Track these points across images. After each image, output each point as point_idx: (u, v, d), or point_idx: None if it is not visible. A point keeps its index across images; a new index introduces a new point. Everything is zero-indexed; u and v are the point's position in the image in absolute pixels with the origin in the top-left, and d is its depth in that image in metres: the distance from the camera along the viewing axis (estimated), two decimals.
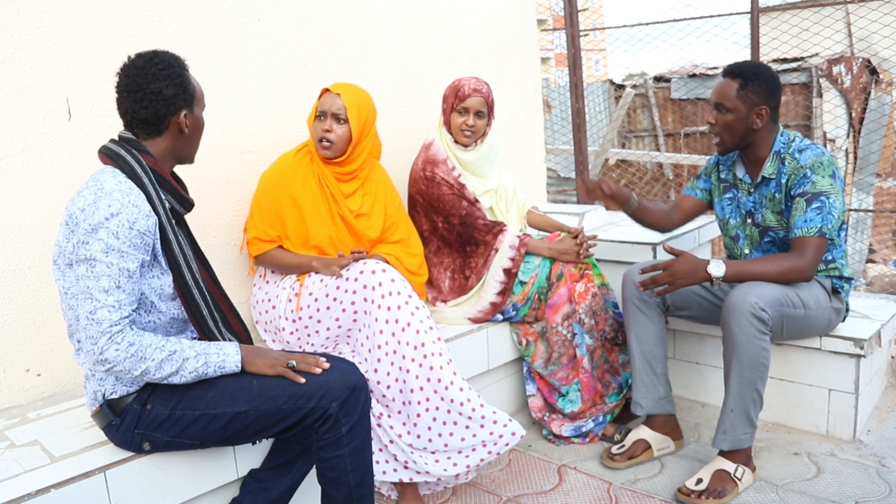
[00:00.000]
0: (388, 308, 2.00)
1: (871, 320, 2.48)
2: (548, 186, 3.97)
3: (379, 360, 1.99)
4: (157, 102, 1.55)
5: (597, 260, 2.64)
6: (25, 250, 2.01)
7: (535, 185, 3.79)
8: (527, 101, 3.69)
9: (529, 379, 2.60)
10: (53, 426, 1.84)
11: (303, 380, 1.62)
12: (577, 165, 4.37)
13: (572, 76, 4.26)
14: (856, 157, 7.20)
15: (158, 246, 1.55)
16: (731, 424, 2.09)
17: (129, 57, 1.58)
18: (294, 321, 2.15)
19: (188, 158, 1.70)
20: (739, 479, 2.09)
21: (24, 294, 2.03)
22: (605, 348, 2.54)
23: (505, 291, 2.52)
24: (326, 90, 2.26)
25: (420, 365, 1.97)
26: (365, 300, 2.03)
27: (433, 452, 2.00)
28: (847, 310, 2.36)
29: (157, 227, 1.53)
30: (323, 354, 1.73)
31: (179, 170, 1.72)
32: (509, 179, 2.77)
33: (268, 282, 2.29)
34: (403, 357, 1.97)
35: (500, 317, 2.56)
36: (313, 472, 1.87)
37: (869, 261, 6.68)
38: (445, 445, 1.98)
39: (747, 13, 3.98)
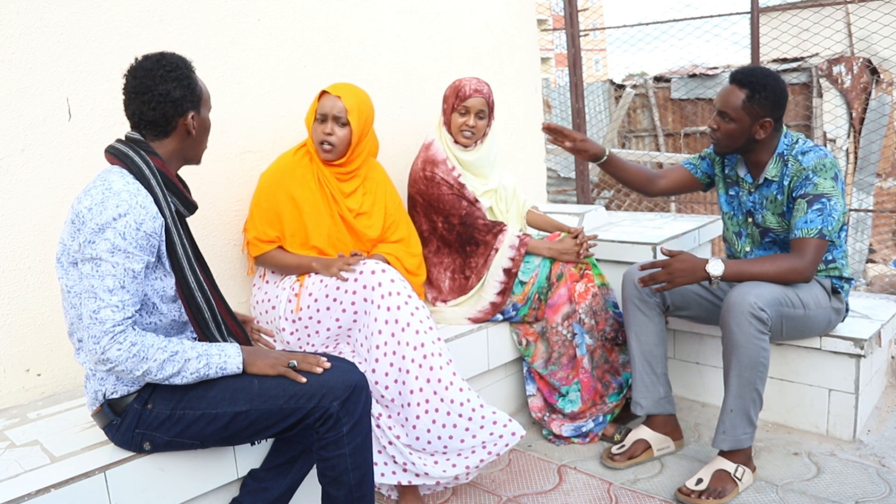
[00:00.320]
0: (388, 308, 2.00)
1: (871, 320, 2.48)
2: (548, 186, 3.97)
3: (378, 361, 1.99)
4: (165, 104, 1.55)
5: (597, 260, 2.64)
6: (25, 250, 2.02)
7: (535, 185, 3.79)
8: (527, 101, 3.69)
9: (529, 379, 2.60)
10: (53, 426, 1.84)
11: (304, 379, 1.62)
12: (577, 165, 4.37)
13: (572, 76, 4.27)
14: (856, 157, 7.19)
15: (163, 248, 1.55)
16: (731, 424, 2.09)
17: (137, 59, 1.58)
18: (294, 321, 2.15)
19: (195, 159, 1.70)
20: (739, 479, 2.09)
21: (24, 294, 2.03)
22: (605, 348, 2.54)
23: (505, 291, 2.52)
24: (325, 92, 2.25)
25: (420, 365, 1.97)
26: (365, 300, 2.03)
27: (432, 454, 2.00)
28: (847, 310, 2.36)
29: (164, 229, 1.54)
30: (324, 354, 1.73)
31: (181, 171, 1.73)
32: (509, 179, 2.77)
33: (267, 282, 2.29)
34: (403, 357, 1.97)
35: (500, 317, 2.56)
36: (313, 472, 1.87)
37: (869, 261, 6.68)
38: (445, 447, 1.98)
39: (747, 13, 3.99)
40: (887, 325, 2.50)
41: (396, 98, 2.98)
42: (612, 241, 2.93)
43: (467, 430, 1.98)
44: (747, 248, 2.38)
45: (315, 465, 1.73)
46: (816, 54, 7.30)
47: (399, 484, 2.04)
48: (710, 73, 7.99)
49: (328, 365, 1.67)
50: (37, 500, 1.47)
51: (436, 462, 2.00)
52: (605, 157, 2.45)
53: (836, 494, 2.07)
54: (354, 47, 2.80)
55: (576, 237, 2.53)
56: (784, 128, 2.25)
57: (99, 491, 1.55)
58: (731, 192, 2.39)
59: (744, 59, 8.44)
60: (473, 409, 1.98)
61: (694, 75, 8.11)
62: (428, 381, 1.97)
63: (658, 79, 8.47)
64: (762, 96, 2.14)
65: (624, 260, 2.88)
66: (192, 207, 1.66)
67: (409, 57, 3.02)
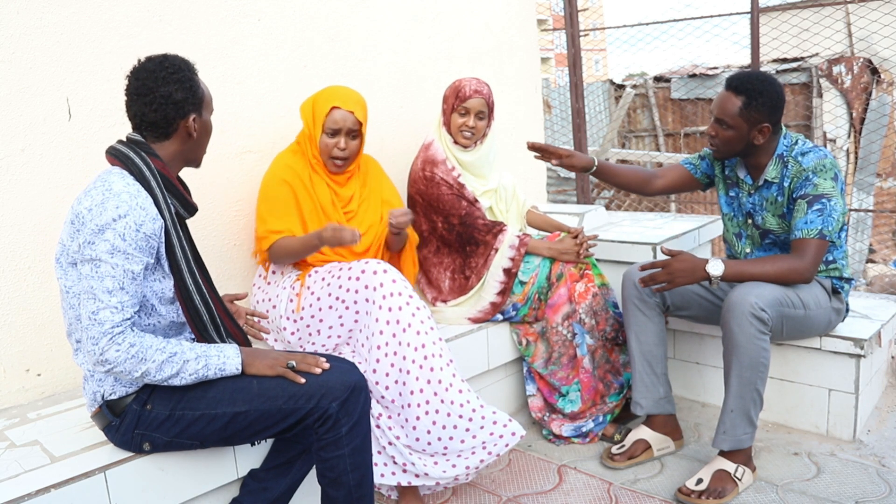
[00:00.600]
0: (390, 309, 2.00)
1: (871, 320, 2.48)
2: (548, 186, 3.97)
3: (378, 361, 1.99)
4: (167, 106, 1.55)
5: (597, 260, 2.64)
6: (25, 250, 2.01)
7: (535, 185, 3.79)
8: (527, 101, 3.69)
9: (529, 379, 2.60)
10: (53, 426, 1.84)
11: (302, 380, 1.62)
12: None
13: (572, 76, 4.27)
14: (856, 157, 7.19)
15: (163, 249, 1.55)
16: (732, 424, 2.09)
17: (140, 60, 1.58)
18: (295, 321, 2.15)
19: (195, 162, 1.70)
20: (739, 479, 2.09)
21: (24, 294, 2.03)
22: (606, 348, 2.54)
23: (505, 291, 2.52)
24: (336, 107, 2.18)
25: (420, 366, 1.97)
26: (366, 300, 2.03)
27: (432, 455, 2.00)
28: (847, 310, 2.36)
29: (163, 230, 1.54)
30: (323, 354, 1.73)
31: (181, 172, 1.72)
32: (509, 179, 2.77)
33: (269, 282, 2.29)
34: (404, 358, 1.97)
35: (500, 317, 2.56)
36: (313, 472, 1.87)
37: (869, 261, 6.68)
38: (445, 448, 1.98)
39: (747, 13, 3.99)
40: (887, 325, 2.50)
41: (396, 98, 2.98)
42: (612, 241, 2.93)
43: (467, 430, 1.98)
44: (747, 250, 2.38)
45: (315, 466, 1.73)
46: (816, 54, 7.30)
47: (399, 484, 2.04)
48: (710, 73, 7.99)
49: (327, 365, 1.67)
50: (37, 500, 1.47)
51: (436, 462, 2.00)
52: (595, 168, 2.46)
53: (836, 494, 2.07)
54: (354, 47, 2.80)
55: (576, 237, 2.53)
56: (783, 129, 2.25)
57: (99, 491, 1.55)
58: (731, 194, 2.39)
59: (744, 59, 8.45)
60: (474, 410, 1.98)
61: (694, 75, 8.12)
62: (428, 381, 1.97)
63: (658, 79, 8.47)
64: (759, 102, 2.13)
65: (624, 260, 2.88)
66: (192, 209, 1.66)
67: (409, 57, 3.02)
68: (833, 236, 2.11)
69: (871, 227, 7.10)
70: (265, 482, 1.82)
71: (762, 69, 4.68)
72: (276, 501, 1.83)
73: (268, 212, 2.21)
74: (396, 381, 1.98)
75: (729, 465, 2.10)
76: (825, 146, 7.19)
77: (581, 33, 4.30)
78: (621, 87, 8.79)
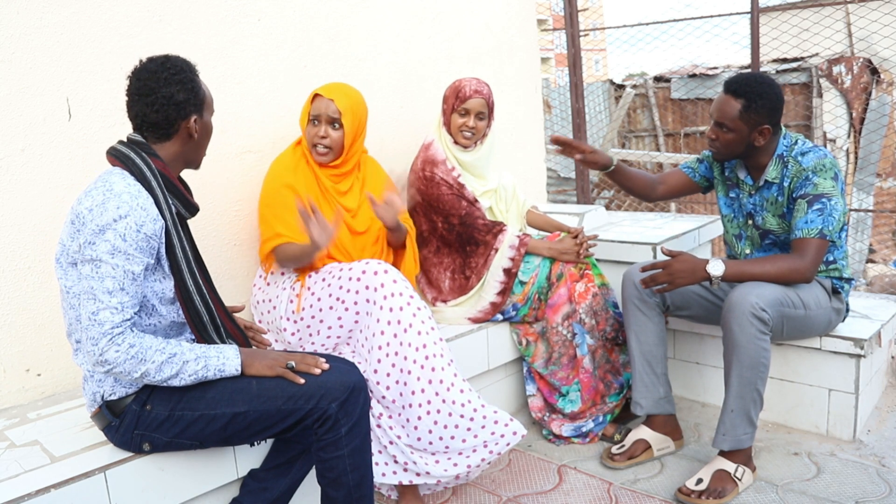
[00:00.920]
0: (391, 309, 2.00)
1: (871, 320, 2.48)
2: (548, 186, 3.97)
3: (379, 361, 1.99)
4: (169, 107, 1.55)
5: (597, 260, 2.64)
6: (25, 250, 2.01)
7: (535, 185, 3.79)
8: (527, 101, 3.69)
9: (529, 379, 2.60)
10: (53, 426, 1.84)
11: (302, 380, 1.62)
12: (577, 165, 4.37)
13: (572, 76, 4.27)
14: (856, 157, 7.19)
15: (163, 250, 1.55)
16: (732, 424, 2.09)
17: (141, 60, 1.58)
18: (295, 322, 2.15)
19: (195, 163, 1.71)
20: (739, 479, 2.09)
21: (24, 294, 2.03)
22: (606, 348, 2.54)
23: (505, 291, 2.52)
24: (318, 94, 2.24)
25: (421, 366, 1.97)
26: (367, 301, 2.03)
27: (433, 454, 2.00)
28: (847, 310, 2.36)
29: (164, 231, 1.53)
30: (322, 355, 1.73)
31: (182, 172, 1.73)
32: (509, 179, 2.77)
33: (269, 283, 2.29)
34: (405, 358, 1.97)
35: (500, 317, 2.56)
36: (313, 472, 1.87)
37: (869, 261, 6.68)
38: (447, 447, 1.98)
39: (747, 13, 3.99)
40: (887, 325, 2.50)
41: (396, 98, 2.98)
42: (612, 241, 2.93)
43: (468, 429, 1.98)
44: (747, 251, 2.38)
45: (314, 466, 1.73)
46: (816, 54, 7.30)
47: (400, 483, 2.04)
48: (710, 73, 7.99)
49: (326, 366, 1.67)
50: (37, 500, 1.47)
51: (437, 462, 2.00)
52: (613, 167, 2.46)
53: (836, 494, 2.07)
54: (354, 47, 2.80)
55: (576, 237, 2.53)
56: (783, 129, 2.25)
57: (99, 491, 1.55)
58: (732, 195, 2.39)
59: (744, 59, 8.44)
60: (475, 410, 1.98)
61: (694, 75, 8.12)
62: (429, 381, 1.97)
63: (658, 79, 8.47)
64: (759, 104, 2.13)
65: (624, 260, 2.88)
66: (193, 209, 1.66)
67: (409, 57, 3.02)
68: (833, 236, 2.11)
69: (871, 227, 7.10)
70: (265, 482, 1.82)
71: (762, 69, 4.68)
72: (276, 501, 1.83)
73: (272, 216, 2.20)
74: (397, 382, 1.98)
75: (729, 465, 2.10)
76: (825, 146, 7.19)
77: (581, 33, 4.30)
78: (621, 87, 8.79)
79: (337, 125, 2.21)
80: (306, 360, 1.66)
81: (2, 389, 2.01)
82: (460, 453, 2.00)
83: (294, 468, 1.85)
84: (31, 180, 2.01)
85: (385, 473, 2.02)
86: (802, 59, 7.38)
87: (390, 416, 2.02)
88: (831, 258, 2.25)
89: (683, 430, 2.45)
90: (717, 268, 2.09)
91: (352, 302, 2.05)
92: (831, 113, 7.16)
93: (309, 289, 2.14)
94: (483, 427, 1.99)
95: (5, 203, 1.97)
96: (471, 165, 2.58)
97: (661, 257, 2.74)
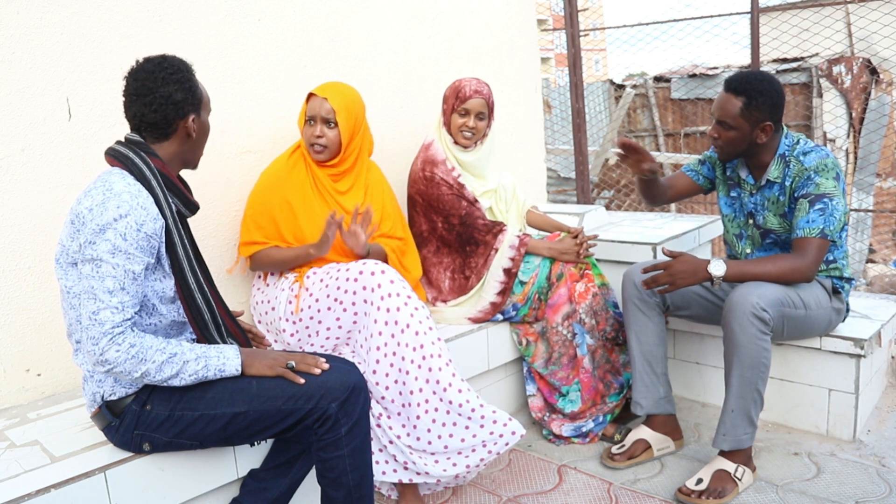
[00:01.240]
0: (388, 309, 2.00)
1: (871, 320, 2.48)
2: (548, 186, 3.97)
3: (378, 362, 1.99)
4: (167, 106, 1.55)
5: (597, 260, 2.64)
6: (25, 250, 2.01)
7: (535, 185, 3.79)
8: (527, 101, 3.69)
9: (529, 379, 2.60)
10: (53, 426, 1.84)
11: (302, 380, 1.62)
12: (577, 165, 4.37)
13: (572, 76, 4.26)
14: (856, 157, 7.20)
15: (163, 249, 1.55)
16: (732, 425, 2.09)
17: (138, 61, 1.58)
18: (294, 322, 2.15)
19: (193, 163, 1.71)
20: (739, 479, 2.09)
21: (24, 294, 2.03)
22: (606, 348, 2.54)
23: (505, 291, 2.52)
24: (313, 94, 2.25)
25: (419, 366, 1.97)
26: (365, 301, 2.03)
27: (433, 454, 2.00)
28: (847, 310, 2.36)
29: (164, 230, 1.54)
30: (322, 355, 1.73)
31: (183, 171, 1.73)
32: (509, 179, 2.77)
33: (268, 283, 2.29)
34: (403, 358, 1.97)
35: (500, 317, 2.56)
36: (313, 472, 1.87)
37: (869, 261, 6.68)
38: (445, 447, 1.98)
39: (747, 13, 3.99)
40: (887, 325, 2.50)
41: (396, 98, 2.98)
42: (612, 241, 2.93)
43: (467, 428, 1.98)
44: (748, 250, 2.38)
45: (314, 466, 1.73)
46: (816, 54, 7.30)
47: (400, 482, 2.04)
48: (710, 73, 8.00)
49: (326, 366, 1.67)
50: (37, 500, 1.47)
51: (436, 461, 2.00)
52: (655, 176, 2.42)
53: (836, 494, 2.07)
54: (354, 47, 2.80)
55: (576, 237, 2.53)
56: (784, 128, 2.25)
57: (99, 491, 1.55)
58: (733, 194, 2.39)
59: (744, 59, 8.45)
60: (473, 409, 1.98)
61: (694, 75, 8.12)
62: (427, 381, 1.97)
63: (658, 79, 8.48)
64: (760, 101, 2.14)
65: (624, 260, 2.88)
66: (193, 208, 1.67)
67: (409, 57, 3.02)
68: (834, 236, 2.11)
69: (871, 227, 7.11)
70: (265, 482, 1.82)
71: (762, 69, 4.68)
72: (276, 501, 1.83)
73: (252, 222, 2.23)
74: (396, 382, 1.98)
75: (729, 465, 2.10)
76: (825, 146, 7.19)
77: (581, 33, 4.30)
78: (621, 87, 8.79)
79: (332, 124, 2.21)
80: (306, 359, 1.66)
81: (2, 389, 2.01)
82: (459, 453, 2.00)
83: (294, 468, 1.85)
84: (31, 180, 2.01)
85: (385, 472, 2.02)
86: (802, 59, 7.38)
87: (390, 417, 2.02)
88: (831, 258, 2.25)
89: (683, 430, 2.45)
90: (718, 268, 2.09)
91: (350, 302, 2.05)
92: (831, 113, 7.16)
93: (307, 289, 2.14)
94: (482, 427, 1.99)
95: (5, 203, 1.97)
96: (471, 165, 2.58)
97: (662, 257, 2.74)
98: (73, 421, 1.86)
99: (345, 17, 2.75)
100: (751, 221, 2.33)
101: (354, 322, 2.07)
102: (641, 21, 5.17)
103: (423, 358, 1.97)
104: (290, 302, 2.16)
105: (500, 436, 2.00)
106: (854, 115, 7.27)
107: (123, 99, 1.58)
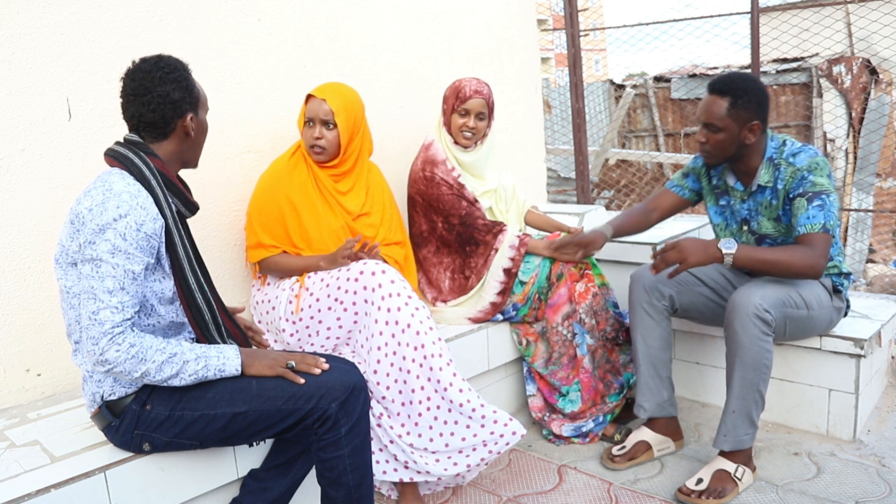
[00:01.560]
0: (389, 309, 2.00)
1: (871, 320, 2.48)
2: (548, 186, 3.97)
3: (379, 362, 1.99)
4: (164, 105, 1.55)
5: (597, 260, 2.63)
6: (25, 250, 2.01)
7: (535, 185, 3.79)
8: (527, 101, 3.69)
9: (529, 379, 2.60)
10: (53, 426, 1.84)
11: (302, 380, 1.62)
12: (577, 165, 4.37)
13: (572, 76, 4.26)
14: (856, 157, 7.20)
15: (163, 249, 1.55)
16: (733, 425, 2.09)
17: (134, 61, 1.59)
18: (294, 322, 2.15)
19: (192, 162, 1.71)
20: (740, 479, 2.09)
21: (24, 294, 2.03)
22: (606, 348, 2.54)
23: (505, 291, 2.52)
24: (311, 95, 2.24)
25: (420, 365, 1.97)
26: (365, 301, 2.03)
27: (433, 452, 2.00)
28: (848, 306, 2.36)
29: (164, 230, 1.54)
30: (322, 355, 1.73)
31: (182, 171, 1.73)
32: (509, 179, 2.77)
33: (268, 283, 2.29)
34: (404, 358, 1.97)
35: (500, 317, 2.56)
36: (313, 472, 1.87)
37: (869, 261, 6.68)
38: (446, 445, 1.98)
39: (747, 13, 3.98)
40: (887, 325, 2.50)
41: (396, 98, 2.98)
42: (612, 241, 2.92)
43: (468, 428, 1.98)
44: None
45: (314, 466, 1.73)
46: (816, 54, 7.30)
47: (401, 481, 2.04)
48: (710, 73, 8.00)
49: (326, 366, 1.67)
50: (37, 500, 1.47)
51: (437, 460, 2.00)
52: (612, 235, 2.47)
53: (836, 494, 2.07)
54: (354, 47, 2.80)
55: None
56: (769, 131, 2.24)
57: (99, 491, 1.55)
58: (722, 203, 2.37)
59: (744, 59, 8.45)
60: (474, 409, 1.98)
61: (694, 75, 8.12)
62: (428, 380, 1.97)
63: (658, 79, 8.48)
64: (745, 100, 2.12)
65: (624, 260, 2.88)
66: (193, 208, 1.67)
67: (409, 57, 3.02)
68: (834, 230, 2.10)
69: (871, 227, 7.10)
70: (265, 482, 1.82)
71: (762, 69, 4.68)
72: (276, 501, 1.83)
73: (258, 224, 2.23)
74: (397, 381, 1.98)
75: (729, 465, 2.10)
76: (825, 146, 7.20)
77: (581, 33, 4.29)
78: (621, 87, 8.80)
79: (331, 125, 2.21)
80: (306, 359, 1.66)
81: (2, 389, 2.01)
82: (460, 452, 2.00)
83: (294, 468, 1.85)
84: (31, 180, 2.01)
85: (386, 471, 2.02)
86: (802, 59, 7.38)
87: (390, 416, 2.02)
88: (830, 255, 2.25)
89: (684, 430, 2.45)
90: (729, 245, 2.04)
91: (350, 302, 2.05)
92: (831, 113, 7.16)
93: (308, 289, 2.14)
94: (482, 426, 1.99)
95: (5, 203, 1.97)
96: (471, 165, 2.58)
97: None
98: (73, 421, 1.86)
99: (345, 17, 2.75)
100: (745, 228, 2.32)
101: (355, 322, 2.07)
102: (641, 21, 5.17)
103: (424, 358, 1.97)
104: (291, 302, 2.16)
105: (501, 435, 2.00)
106: (854, 115, 7.27)
107: (121, 100, 1.58)
